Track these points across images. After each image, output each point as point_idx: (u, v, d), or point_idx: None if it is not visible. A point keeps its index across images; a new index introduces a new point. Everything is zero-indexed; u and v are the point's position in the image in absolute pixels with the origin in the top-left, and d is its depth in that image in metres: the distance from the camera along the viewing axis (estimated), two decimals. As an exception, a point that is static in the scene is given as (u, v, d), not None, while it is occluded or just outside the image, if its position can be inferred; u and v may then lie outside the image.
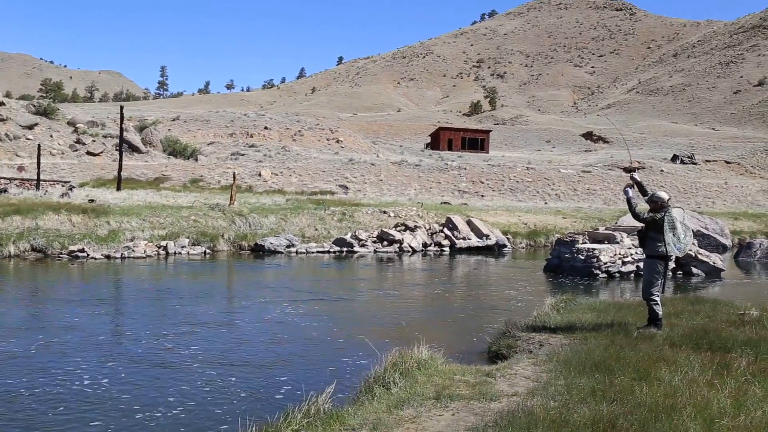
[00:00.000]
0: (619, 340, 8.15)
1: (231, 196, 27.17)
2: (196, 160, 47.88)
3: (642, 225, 9.12)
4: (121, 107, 40.59)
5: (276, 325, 11.23)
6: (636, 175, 9.62)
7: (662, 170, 59.92)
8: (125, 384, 7.63)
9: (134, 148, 47.06)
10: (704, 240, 26.75)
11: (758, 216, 40.40)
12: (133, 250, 20.94)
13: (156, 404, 6.95)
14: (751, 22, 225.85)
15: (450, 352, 8.61)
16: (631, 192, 9.29)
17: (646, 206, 9.26)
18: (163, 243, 22.00)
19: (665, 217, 8.75)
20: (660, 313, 8.93)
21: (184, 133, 60.22)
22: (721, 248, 27.13)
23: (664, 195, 9.03)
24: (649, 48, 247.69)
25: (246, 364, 8.64)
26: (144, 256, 20.81)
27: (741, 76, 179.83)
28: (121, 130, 38.05)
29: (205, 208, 26.08)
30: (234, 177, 28.98)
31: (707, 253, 20.52)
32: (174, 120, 67.09)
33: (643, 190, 9.44)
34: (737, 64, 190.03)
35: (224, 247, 23.57)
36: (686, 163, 66.49)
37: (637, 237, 9.77)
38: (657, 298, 8.92)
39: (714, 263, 19.84)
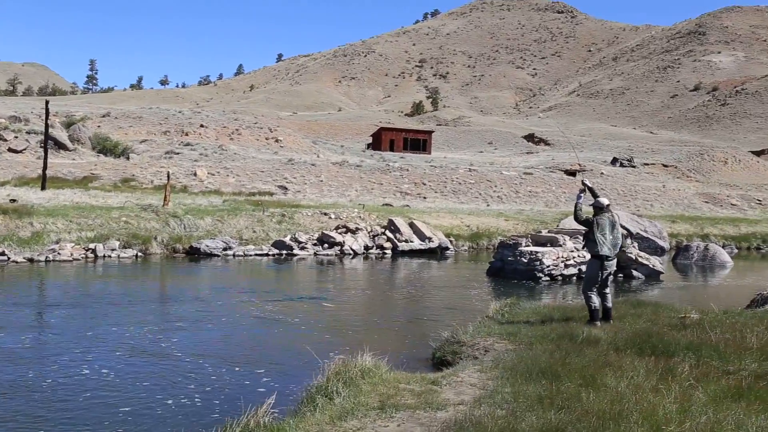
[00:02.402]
0: (565, 345, 8.23)
1: (165, 197, 26.52)
2: (128, 158, 46.60)
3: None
4: (47, 102, 39.13)
5: (210, 333, 10.89)
6: (587, 181, 10.48)
7: (602, 173, 61.44)
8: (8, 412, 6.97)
9: (61, 146, 45.48)
10: (643, 242, 27.46)
11: (694, 219, 41.79)
12: (58, 253, 20.20)
13: None
14: (687, 27, 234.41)
15: (394, 359, 8.54)
16: (582, 197, 10.18)
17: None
18: (92, 245, 21.30)
19: (596, 219, 9.76)
20: (594, 306, 9.74)
21: (115, 130, 58.57)
22: (659, 251, 27.89)
23: (604, 201, 9.99)
24: (590, 51, 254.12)
25: (178, 376, 8.34)
26: (71, 259, 20.10)
27: (678, 81, 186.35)
28: (47, 125, 36.72)
29: (137, 209, 25.39)
30: (168, 176, 28.30)
31: (647, 256, 21.07)
32: (104, 116, 65.20)
33: (594, 195, 10.25)
34: (674, 68, 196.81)
35: (157, 250, 22.99)
36: (626, 166, 68.37)
37: (581, 239, 11.13)
38: (592, 294, 9.75)
39: (653, 266, 20.39)
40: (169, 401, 7.32)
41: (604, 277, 9.85)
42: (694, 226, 39.09)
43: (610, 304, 10.03)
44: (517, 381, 6.63)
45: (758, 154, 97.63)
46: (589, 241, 9.82)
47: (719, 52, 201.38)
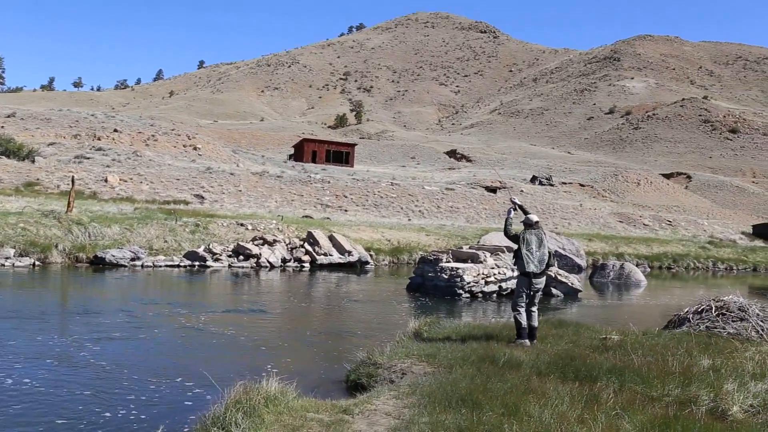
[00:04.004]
0: (486, 368, 7.82)
1: (69, 203, 25.00)
2: (33, 161, 44.13)
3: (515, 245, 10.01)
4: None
5: (94, 355, 9.67)
6: (516, 199, 10.72)
7: (522, 190, 62.48)
8: None
9: (-42, 146, 42.72)
10: (561, 260, 27.75)
11: (609, 238, 42.81)
12: (-56, 262, 18.62)
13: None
14: (603, 53, 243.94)
15: (305, 383, 7.93)
16: (512, 213, 10.39)
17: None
18: (-18, 253, 19.77)
19: (524, 236, 9.84)
20: (522, 323, 9.69)
21: (21, 131, 55.59)
22: (577, 269, 28.26)
23: (533, 218, 10.14)
24: (511, 71, 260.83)
25: (54, 404, 7.39)
26: (-42, 268, 18.56)
27: (594, 104, 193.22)
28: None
29: (37, 214, 23.81)
30: (73, 181, 26.72)
31: (566, 274, 21.16)
32: (9, 116, 61.88)
33: (525, 212, 10.38)
34: (591, 92, 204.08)
35: (58, 259, 21.59)
36: (544, 185, 69.85)
37: (503, 256, 11.21)
38: (521, 310, 9.75)
39: (572, 284, 20.47)
40: (46, 433, 6.45)
41: (531, 294, 9.87)
42: (609, 244, 40.00)
43: (535, 323, 9.90)
44: (435, 410, 6.14)
45: (668, 176, 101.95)
46: (518, 259, 9.84)
47: (632, 78, 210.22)
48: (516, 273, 10.49)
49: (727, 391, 7.02)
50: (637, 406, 6.43)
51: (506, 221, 10.25)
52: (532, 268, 9.69)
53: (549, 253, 9.96)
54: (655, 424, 5.88)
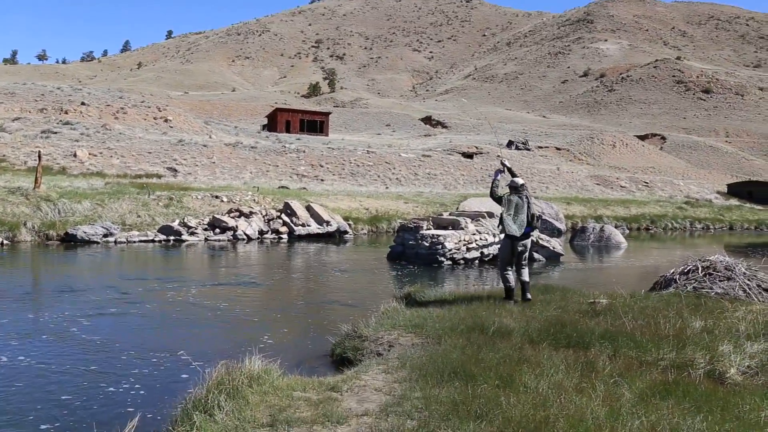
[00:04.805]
0: (476, 338, 7.59)
1: (36, 179, 24.33)
2: (-2, 138, 43.02)
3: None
4: None
5: (65, 335, 9.31)
6: (506, 161, 10.61)
7: (499, 155, 62.39)
8: None
9: None
10: (541, 225, 27.69)
11: (588, 201, 42.93)
12: None
13: None
14: (577, 15, 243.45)
15: (289, 359, 7.68)
16: (499, 175, 10.25)
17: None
18: (-52, 233, 19.17)
19: (506, 197, 9.86)
20: (509, 285, 9.85)
21: (-17, 107, 54.22)
22: (556, 232, 28.21)
23: (519, 180, 10.09)
24: (485, 36, 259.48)
25: (22, 392, 7.06)
26: None
27: (568, 67, 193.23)
28: None
29: (3, 192, 23.13)
30: (39, 156, 25.97)
31: (547, 238, 21.06)
32: (-29, 92, 60.24)
33: (513, 174, 10.32)
34: (565, 55, 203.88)
35: (27, 237, 21.04)
36: (521, 149, 69.78)
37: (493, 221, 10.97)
38: (508, 273, 9.89)
39: (554, 248, 20.38)
40: (18, 421, 6.13)
41: (517, 255, 9.91)
42: (588, 207, 40.10)
43: (526, 278, 10.01)
44: (427, 384, 5.89)
45: (643, 138, 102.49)
46: (502, 221, 9.83)
47: (606, 40, 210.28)
48: (498, 237, 10.66)
49: (723, 353, 6.88)
50: (634, 372, 6.25)
51: (493, 182, 10.15)
52: (512, 230, 9.72)
53: (533, 215, 9.84)
54: (655, 390, 5.71)
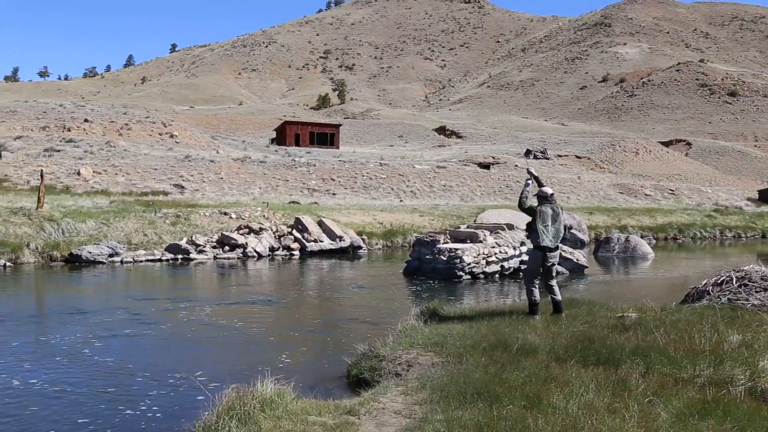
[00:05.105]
0: (499, 356, 7.45)
1: (39, 198, 24.45)
2: (0, 157, 43.42)
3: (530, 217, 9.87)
4: None
5: (78, 357, 9.36)
6: (532, 169, 10.58)
7: (516, 165, 62.18)
8: None
9: None
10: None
11: (611, 210, 42.60)
12: None
13: None
14: (594, 19, 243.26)
15: (303, 381, 7.58)
16: (529, 186, 10.13)
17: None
18: (-51, 256, 19.25)
19: (539, 209, 9.67)
20: (535, 299, 9.78)
21: (-15, 125, 54.76)
22: (579, 244, 28.00)
23: (548, 190, 9.96)
24: (498, 42, 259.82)
25: (37, 416, 7.03)
26: None
27: (586, 72, 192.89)
28: None
29: (5, 212, 23.24)
30: (42, 176, 26.10)
31: (571, 249, 20.87)
32: (-28, 111, 60.91)
33: (540, 184, 10.27)
34: (582, 60, 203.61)
35: (30, 259, 21.09)
36: (539, 158, 69.57)
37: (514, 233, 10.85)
38: (534, 288, 9.78)
39: (578, 260, 20.18)
40: None
41: (547, 268, 9.81)
42: (611, 217, 39.79)
43: (558, 296, 9.92)
44: (449, 405, 5.78)
45: (667, 144, 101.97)
46: (532, 232, 9.76)
47: (625, 44, 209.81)
48: (519, 250, 10.48)
49: (765, 368, 6.72)
50: (669, 391, 6.09)
51: (522, 193, 9.95)
52: (547, 242, 9.60)
53: (564, 227, 9.77)
54: (693, 409, 5.55)
